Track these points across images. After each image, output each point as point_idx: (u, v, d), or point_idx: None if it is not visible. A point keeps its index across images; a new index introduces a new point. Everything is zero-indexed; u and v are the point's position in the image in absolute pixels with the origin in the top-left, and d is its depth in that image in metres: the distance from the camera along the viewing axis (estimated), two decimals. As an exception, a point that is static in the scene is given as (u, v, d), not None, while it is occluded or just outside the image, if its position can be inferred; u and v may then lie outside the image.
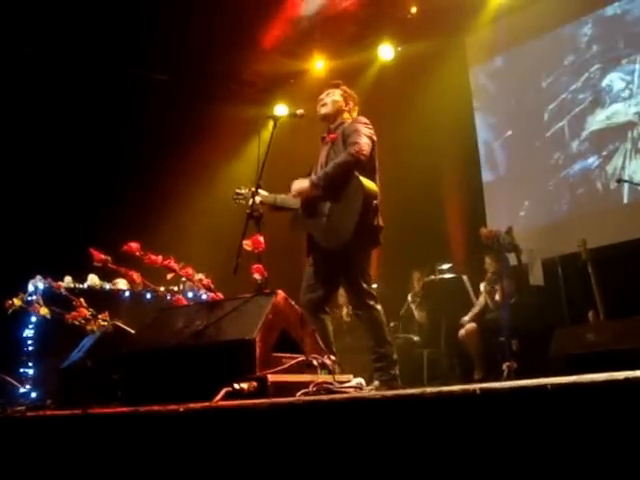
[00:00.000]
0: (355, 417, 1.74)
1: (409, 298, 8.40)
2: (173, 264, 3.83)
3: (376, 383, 4.52)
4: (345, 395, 2.30)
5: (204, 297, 4.63)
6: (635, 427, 1.27)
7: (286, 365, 3.05)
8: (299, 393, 2.83)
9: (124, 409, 2.44)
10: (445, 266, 8.04)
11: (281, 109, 9.20)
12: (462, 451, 1.50)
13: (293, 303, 3.36)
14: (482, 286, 7.75)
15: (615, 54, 8.34)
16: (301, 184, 4.64)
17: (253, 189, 4.51)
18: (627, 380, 1.27)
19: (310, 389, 2.91)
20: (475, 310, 7.62)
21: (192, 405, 2.13)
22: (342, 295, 7.47)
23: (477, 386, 1.46)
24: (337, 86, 5.00)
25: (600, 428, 1.31)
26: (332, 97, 4.91)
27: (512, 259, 7.72)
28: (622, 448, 1.28)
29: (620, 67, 8.26)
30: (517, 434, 1.41)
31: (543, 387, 1.34)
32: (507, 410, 1.42)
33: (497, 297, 7.53)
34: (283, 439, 1.85)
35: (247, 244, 3.68)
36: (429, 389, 1.58)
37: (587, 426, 1.33)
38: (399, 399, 1.64)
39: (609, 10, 8.50)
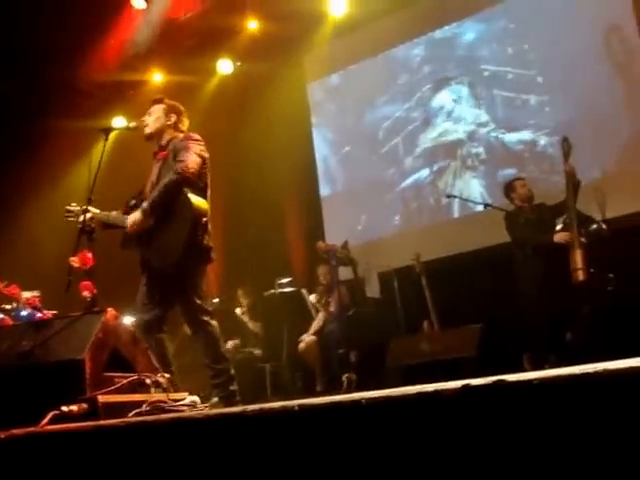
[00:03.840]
0: (181, 436, 1.72)
1: (238, 312, 8.41)
2: (-4, 283, 3.69)
3: (214, 400, 4.49)
4: (171, 415, 2.28)
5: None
6: (447, 439, 1.32)
7: (117, 385, 2.99)
8: (131, 413, 2.79)
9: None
10: (285, 280, 8.09)
11: (119, 121, 9.00)
12: (285, 466, 1.51)
13: (124, 320, 3.30)
14: (313, 297, 7.85)
15: (445, 75, 8.70)
16: (134, 218, 4.54)
17: (84, 206, 4.42)
18: (436, 392, 1.32)
19: (143, 409, 2.87)
20: (315, 326, 7.72)
21: (15, 431, 2.05)
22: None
23: (296, 402, 1.47)
24: (159, 101, 4.94)
25: (414, 440, 1.35)
26: (154, 116, 4.85)
27: (349, 272, 7.88)
28: (435, 459, 1.33)
29: (449, 88, 8.62)
30: (336, 448, 1.43)
31: (358, 401, 1.38)
32: (326, 425, 1.44)
33: (332, 308, 7.67)
34: (113, 461, 1.81)
35: (74, 260, 3.58)
36: (250, 407, 1.59)
37: (402, 438, 1.37)
38: (222, 417, 1.64)
39: (439, 33, 8.84)
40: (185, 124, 4.93)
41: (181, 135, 4.80)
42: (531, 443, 1.22)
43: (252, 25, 8.86)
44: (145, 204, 4.51)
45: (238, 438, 1.57)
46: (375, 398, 1.37)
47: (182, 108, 4.99)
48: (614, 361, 1.50)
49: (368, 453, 1.38)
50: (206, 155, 4.68)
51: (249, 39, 8.99)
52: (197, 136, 4.75)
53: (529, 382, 1.23)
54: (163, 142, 4.80)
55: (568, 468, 1.19)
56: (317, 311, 7.81)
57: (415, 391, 1.36)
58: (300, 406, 1.44)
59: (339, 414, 1.41)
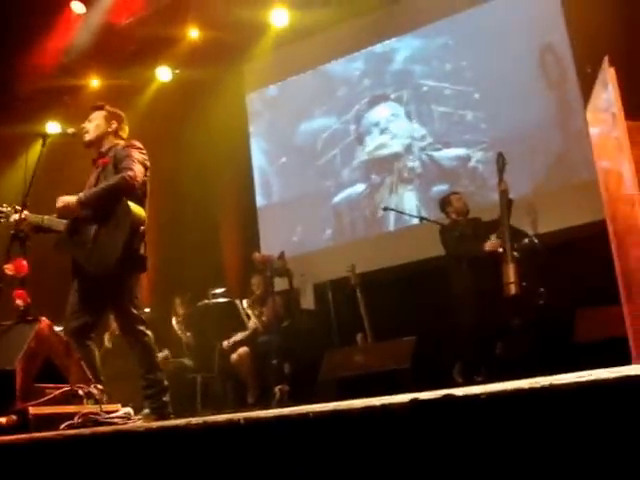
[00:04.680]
0: (120, 450, 1.68)
1: (173, 321, 8.32)
2: None
3: (146, 411, 4.41)
4: (109, 428, 2.23)
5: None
6: (396, 453, 1.32)
7: (49, 396, 2.92)
8: (63, 425, 2.73)
9: None
10: (219, 290, 8.02)
11: (53, 127, 8.83)
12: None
13: (58, 330, 3.24)
14: (245, 303, 7.79)
15: (383, 89, 8.80)
16: (67, 200, 4.46)
17: (17, 207, 4.32)
18: (384, 406, 1.31)
19: (75, 421, 2.81)
20: (246, 333, 7.64)
21: (-59, 443, 1.98)
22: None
23: (242, 415, 1.46)
24: (100, 108, 4.87)
25: (362, 453, 1.35)
26: (94, 122, 4.77)
27: (284, 283, 7.87)
28: (382, 474, 1.33)
29: (388, 101, 8.72)
30: (282, 462, 1.42)
31: (305, 415, 1.37)
32: (271, 438, 1.43)
33: (264, 318, 7.64)
34: (45, 477, 1.76)
35: (8, 268, 3.50)
36: (194, 419, 1.57)
37: (349, 451, 1.36)
38: (164, 430, 1.61)
39: (378, 47, 8.95)
40: (125, 131, 4.87)
41: (122, 142, 4.73)
42: (480, 457, 1.23)
43: (193, 33, 8.82)
44: (82, 194, 4.44)
45: (181, 452, 1.54)
46: (322, 412, 1.36)
47: (123, 115, 4.93)
48: (556, 375, 1.52)
49: (315, 467, 1.37)
50: (148, 164, 4.63)
51: (190, 47, 8.94)
52: (139, 144, 4.69)
53: (477, 396, 1.24)
54: (103, 149, 4.72)
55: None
56: (248, 318, 7.75)
57: (362, 405, 1.35)
58: (246, 419, 1.43)
59: (286, 427, 1.40)
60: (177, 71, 9.37)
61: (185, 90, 9.47)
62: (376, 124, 8.79)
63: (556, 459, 1.20)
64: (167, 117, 9.45)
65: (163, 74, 9.33)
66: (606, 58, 3.33)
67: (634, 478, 1.16)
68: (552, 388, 1.21)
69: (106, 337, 7.68)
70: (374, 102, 8.84)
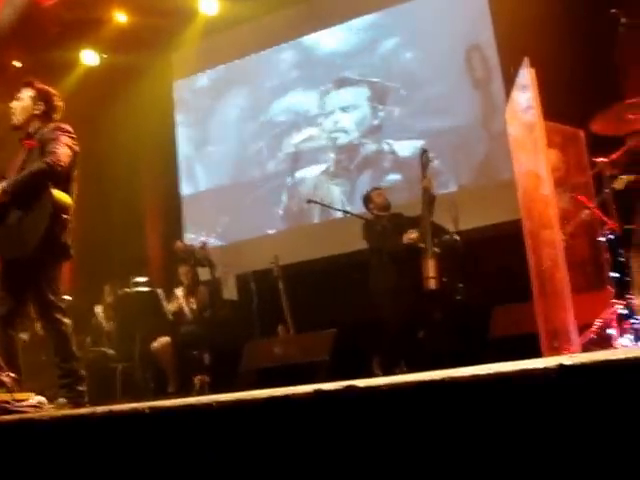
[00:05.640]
0: (25, 438, 1.66)
1: (97, 309, 8.19)
2: None
3: (61, 400, 4.34)
4: (15, 416, 2.20)
5: None
6: (299, 443, 1.33)
7: (-43, 384, 2.86)
8: (-29, 413, 2.68)
9: None
10: (141, 279, 7.93)
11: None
12: (134, 470, 1.48)
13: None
14: (179, 291, 7.71)
15: (312, 81, 8.82)
16: None
17: None
18: (287, 397, 1.33)
19: (-17, 409, 2.76)
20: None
21: None
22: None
23: (146, 404, 1.45)
24: (29, 84, 4.69)
25: (265, 444, 1.36)
26: (21, 103, 4.62)
27: (206, 273, 7.83)
28: (286, 464, 1.34)
29: (316, 93, 8.74)
30: (186, 451, 1.42)
31: (209, 405, 1.37)
32: (176, 428, 1.43)
33: (194, 307, 7.59)
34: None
35: None
36: (100, 408, 1.56)
37: (253, 441, 1.37)
38: (69, 419, 1.59)
39: (308, 39, 8.96)
40: (57, 110, 4.63)
41: (52, 125, 4.57)
42: (381, 447, 1.25)
43: (120, 17, 8.68)
44: (5, 183, 4.31)
45: (86, 440, 1.53)
46: (226, 401, 1.37)
47: (53, 92, 4.68)
48: (460, 368, 1.55)
49: (219, 457, 1.38)
50: (77, 149, 4.50)
51: (117, 31, 8.79)
52: (68, 127, 4.52)
53: (378, 387, 1.26)
54: (31, 130, 4.57)
55: (415, 474, 1.22)
56: (168, 305, 7.65)
57: (266, 395, 1.36)
58: (151, 408, 1.42)
59: (190, 417, 1.40)
60: (105, 56, 9.22)
61: (111, 75, 9.32)
62: (304, 116, 8.81)
63: (455, 450, 1.23)
64: (92, 102, 9.28)
65: (89, 57, 9.16)
66: (526, 59, 3.40)
67: (532, 468, 1.20)
68: (452, 380, 1.24)
69: (38, 324, 7.51)
70: (303, 94, 8.85)
